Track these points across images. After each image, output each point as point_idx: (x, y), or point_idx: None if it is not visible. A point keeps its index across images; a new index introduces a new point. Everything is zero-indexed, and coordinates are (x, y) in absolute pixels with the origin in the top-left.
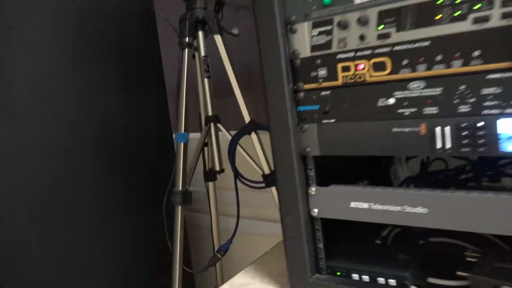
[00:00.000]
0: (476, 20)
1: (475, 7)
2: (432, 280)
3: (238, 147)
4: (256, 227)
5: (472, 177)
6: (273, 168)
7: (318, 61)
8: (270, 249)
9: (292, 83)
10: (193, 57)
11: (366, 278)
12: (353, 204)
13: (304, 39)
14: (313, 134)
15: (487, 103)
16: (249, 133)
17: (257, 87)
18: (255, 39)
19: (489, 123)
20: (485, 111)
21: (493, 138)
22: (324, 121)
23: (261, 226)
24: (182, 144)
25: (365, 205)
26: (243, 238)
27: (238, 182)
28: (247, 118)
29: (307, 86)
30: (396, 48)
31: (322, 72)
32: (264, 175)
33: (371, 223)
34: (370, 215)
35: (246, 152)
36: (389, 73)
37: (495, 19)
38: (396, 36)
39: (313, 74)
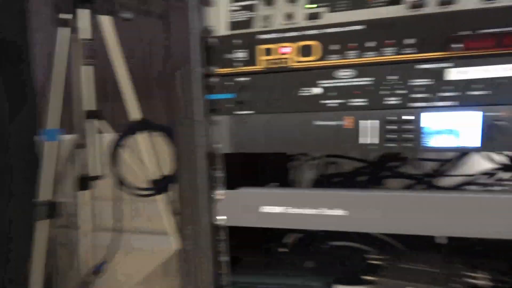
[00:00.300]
0: (412, 5)
1: None
2: (338, 287)
3: (124, 149)
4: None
5: (370, 178)
6: (165, 172)
7: (237, 42)
8: (157, 267)
9: (203, 65)
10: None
11: None
12: (265, 209)
13: (221, 14)
14: (225, 127)
15: (415, 95)
16: (137, 133)
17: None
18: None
19: (417, 116)
20: (413, 104)
21: (419, 133)
22: (240, 112)
23: (145, 240)
24: (50, 143)
25: (279, 209)
26: (123, 256)
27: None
28: (135, 116)
29: (221, 71)
30: (326, 30)
31: (241, 54)
32: (153, 181)
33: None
34: (284, 221)
35: (135, 155)
36: (317, 59)
37: (432, 4)
38: (327, 17)
39: (229, 56)
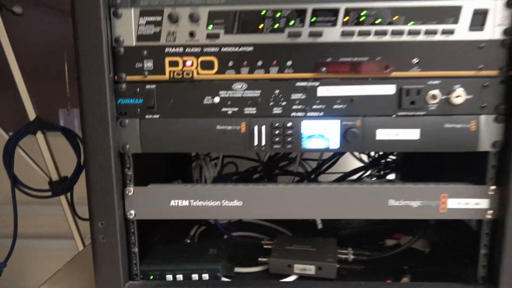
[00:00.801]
0: (291, 34)
1: (290, 23)
2: (238, 269)
3: (18, 149)
4: (41, 245)
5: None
6: (63, 174)
7: (144, 52)
8: (64, 266)
9: (113, 73)
10: None
11: (180, 277)
12: (173, 203)
13: (129, 26)
14: (134, 129)
15: (294, 107)
16: (34, 133)
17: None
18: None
19: (296, 123)
20: (293, 114)
21: (298, 136)
22: (148, 116)
23: (46, 243)
24: None
25: (185, 203)
26: (25, 258)
27: (17, 192)
28: (31, 115)
29: (130, 78)
30: (224, 49)
31: (148, 64)
32: (51, 182)
33: (178, 224)
34: (190, 212)
35: (29, 156)
36: (216, 72)
37: (304, 36)
38: (224, 38)
39: (138, 65)
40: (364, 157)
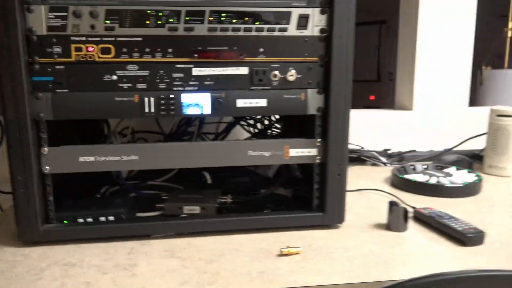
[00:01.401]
0: (170, 29)
1: (170, 20)
2: (139, 214)
3: None
4: None
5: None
6: None
7: (54, 40)
8: None
9: (27, 55)
10: None
11: (90, 219)
12: (81, 159)
13: (41, 19)
14: (47, 101)
15: (175, 83)
16: None
17: None
18: None
19: (177, 95)
20: (175, 88)
21: (179, 105)
22: (58, 90)
23: None
24: None
25: (91, 158)
26: None
27: None
28: None
29: (42, 60)
30: (119, 39)
31: (57, 49)
32: None
33: (94, 184)
34: (96, 166)
35: None
36: (113, 57)
37: (181, 30)
38: (119, 30)
39: (48, 50)
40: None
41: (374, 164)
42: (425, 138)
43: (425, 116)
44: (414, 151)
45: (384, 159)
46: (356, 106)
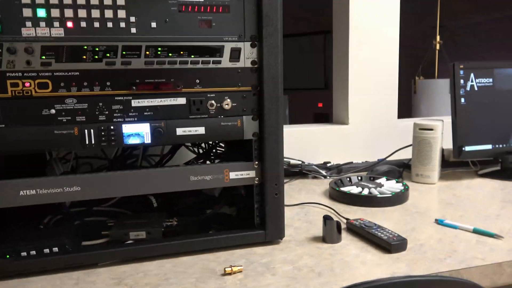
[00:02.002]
0: (107, 63)
1: (107, 55)
2: (85, 243)
3: None
4: None
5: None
6: None
7: None
8: None
9: None
10: None
11: (33, 252)
12: (22, 193)
13: None
14: None
15: (115, 114)
16: None
17: None
18: None
19: (117, 126)
20: (114, 119)
21: (120, 136)
22: None
23: None
24: None
25: (33, 192)
26: None
27: None
28: None
29: None
30: (56, 73)
31: None
32: None
33: (35, 214)
34: (37, 199)
35: None
36: (51, 91)
37: (118, 64)
38: (56, 65)
39: None
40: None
41: (315, 177)
42: (361, 150)
43: (360, 129)
44: (351, 163)
45: (324, 172)
46: (306, 113)
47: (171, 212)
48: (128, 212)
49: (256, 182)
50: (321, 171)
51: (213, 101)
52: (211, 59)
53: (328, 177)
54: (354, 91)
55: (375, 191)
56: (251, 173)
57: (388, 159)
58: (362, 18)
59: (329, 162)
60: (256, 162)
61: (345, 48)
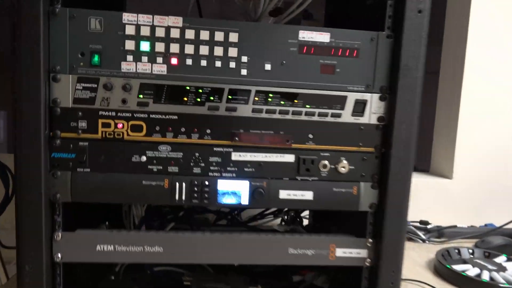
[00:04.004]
0: (210, 108)
1: (211, 98)
2: None
3: None
4: None
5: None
6: None
7: (79, 113)
8: None
9: (48, 129)
10: None
11: None
12: (99, 247)
13: (67, 90)
14: (65, 181)
15: (212, 167)
16: None
17: None
18: None
19: (212, 182)
20: (210, 173)
21: (214, 193)
22: (79, 169)
23: None
24: None
25: (110, 248)
26: None
27: None
28: None
29: (64, 135)
30: (152, 116)
31: (83, 124)
32: None
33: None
34: (114, 257)
35: None
36: (144, 135)
37: (222, 110)
38: (153, 106)
39: (73, 124)
40: None
41: (410, 239)
42: (465, 210)
43: (466, 185)
44: (454, 226)
45: (422, 234)
46: None
47: (253, 274)
48: (208, 267)
49: (367, 264)
50: (419, 233)
51: (326, 162)
52: (330, 111)
53: (427, 242)
54: (463, 138)
55: (497, 277)
56: (362, 253)
57: (503, 227)
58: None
59: (428, 223)
60: (370, 240)
61: (455, 87)
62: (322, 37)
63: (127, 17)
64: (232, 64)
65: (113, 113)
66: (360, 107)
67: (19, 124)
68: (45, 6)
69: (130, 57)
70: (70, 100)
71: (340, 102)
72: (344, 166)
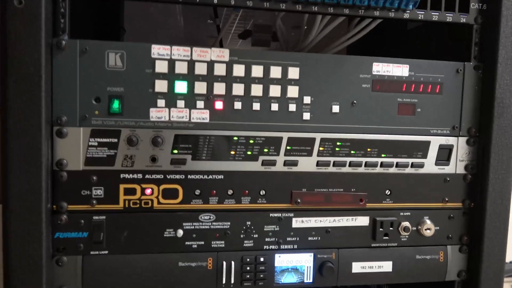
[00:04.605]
0: (265, 163)
1: (266, 150)
2: None
3: None
4: None
5: None
6: None
7: (94, 178)
8: None
9: (51, 202)
10: None
11: None
12: None
13: (77, 147)
14: (74, 269)
15: (268, 239)
16: None
17: None
18: None
19: (268, 257)
20: (266, 247)
21: (271, 271)
22: (93, 252)
23: None
24: None
25: None
26: None
27: None
28: None
29: (73, 207)
30: (190, 176)
31: (98, 191)
32: None
33: None
34: None
35: None
36: (180, 202)
37: (279, 165)
38: (192, 164)
39: (84, 193)
40: None
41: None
42: None
43: None
44: None
45: None
46: None
47: None
48: None
49: None
50: None
51: (407, 223)
52: (410, 160)
53: None
54: None
55: None
56: None
57: None
58: None
59: None
60: None
61: None
62: (400, 70)
63: (157, 50)
64: (292, 107)
65: (139, 176)
66: (445, 154)
67: (9, 195)
68: (47, 37)
69: (161, 102)
70: (81, 160)
71: (422, 148)
72: (428, 227)
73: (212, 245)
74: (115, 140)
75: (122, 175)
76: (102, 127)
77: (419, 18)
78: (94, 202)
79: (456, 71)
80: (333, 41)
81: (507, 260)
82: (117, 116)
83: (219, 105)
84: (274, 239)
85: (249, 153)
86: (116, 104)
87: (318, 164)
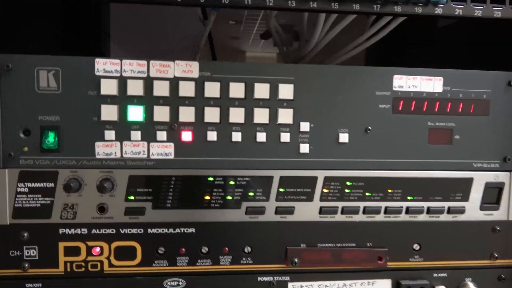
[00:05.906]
0: (250, 211)
1: (249, 194)
2: None
3: None
4: None
5: None
6: None
7: (25, 235)
8: None
9: None
10: None
11: None
12: None
13: (1, 195)
14: None
15: None
16: None
17: None
18: None
19: None
20: None
21: None
22: None
23: None
24: None
25: None
26: None
27: None
28: None
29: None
30: (151, 230)
31: (31, 252)
32: None
33: None
34: None
35: None
36: (138, 264)
37: (269, 213)
38: (152, 214)
39: (13, 253)
40: None
41: None
42: None
43: None
44: None
45: None
46: None
47: None
48: None
49: None
50: None
51: None
52: (447, 204)
53: None
54: None
55: None
56: None
57: None
58: None
59: None
60: None
61: None
62: (431, 84)
63: (102, 65)
64: (285, 136)
65: (84, 231)
66: (493, 195)
67: None
68: None
69: (110, 134)
70: (8, 212)
71: (462, 188)
72: None
73: None
74: (51, 184)
75: (61, 230)
76: (34, 168)
77: (456, 13)
78: (26, 265)
79: (508, 84)
80: (340, 48)
81: None
82: (52, 154)
83: (186, 136)
84: None
85: (228, 198)
86: (51, 138)
87: (321, 211)
